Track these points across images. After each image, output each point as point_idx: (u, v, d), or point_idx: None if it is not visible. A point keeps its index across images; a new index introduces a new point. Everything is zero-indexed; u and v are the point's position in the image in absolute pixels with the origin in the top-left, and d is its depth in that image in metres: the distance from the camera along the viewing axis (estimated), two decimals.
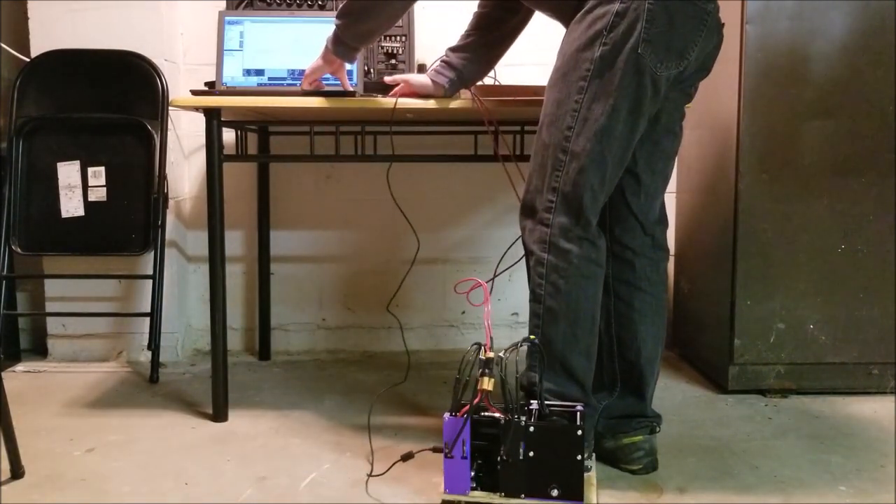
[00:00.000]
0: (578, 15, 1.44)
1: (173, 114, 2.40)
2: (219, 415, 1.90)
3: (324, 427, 1.86)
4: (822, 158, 2.01)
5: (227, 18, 1.90)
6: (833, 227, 2.02)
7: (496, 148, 1.84)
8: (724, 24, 1.50)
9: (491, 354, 1.36)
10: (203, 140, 1.86)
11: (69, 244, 2.30)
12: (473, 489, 1.37)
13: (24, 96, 2.32)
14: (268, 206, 2.49)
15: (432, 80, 1.75)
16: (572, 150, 1.43)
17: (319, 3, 2.07)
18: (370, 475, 1.57)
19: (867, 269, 2.03)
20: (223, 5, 2.10)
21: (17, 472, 1.55)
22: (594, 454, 1.56)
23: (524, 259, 1.53)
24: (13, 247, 2.28)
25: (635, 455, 1.59)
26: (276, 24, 1.91)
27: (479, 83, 1.86)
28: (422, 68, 2.08)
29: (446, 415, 1.36)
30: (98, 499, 1.49)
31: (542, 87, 1.53)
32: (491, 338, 1.38)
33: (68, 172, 2.30)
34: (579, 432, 1.33)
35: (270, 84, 1.89)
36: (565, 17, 1.51)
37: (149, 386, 2.20)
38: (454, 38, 1.78)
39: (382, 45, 2.09)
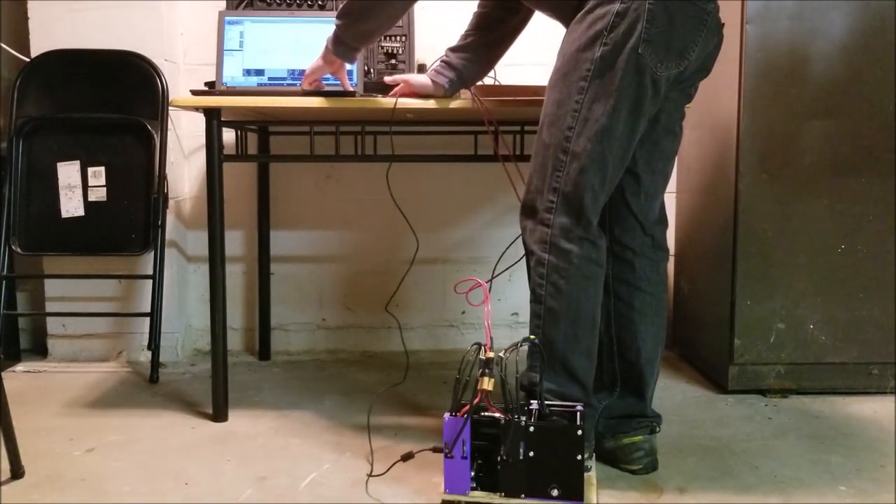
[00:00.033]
0: (579, 15, 1.44)
1: (173, 114, 2.40)
2: (219, 415, 1.90)
3: (324, 427, 1.86)
4: (822, 158, 2.01)
5: (227, 18, 1.90)
6: (833, 227, 2.02)
7: (496, 148, 1.84)
8: (724, 24, 1.50)
9: (491, 354, 1.36)
10: (203, 140, 1.86)
11: (69, 244, 2.30)
12: (473, 489, 1.37)
13: (24, 96, 2.32)
14: (268, 206, 2.49)
15: (432, 80, 1.75)
16: (573, 150, 1.43)
17: (319, 3, 2.07)
18: (370, 475, 1.57)
19: (867, 269, 2.03)
20: (223, 5, 2.10)
21: (17, 472, 1.55)
22: (594, 454, 1.56)
23: (524, 259, 1.53)
24: (13, 247, 2.28)
25: (635, 455, 1.59)
26: (276, 24, 1.91)
27: (479, 83, 1.86)
28: (422, 68, 2.08)
29: (446, 415, 1.36)
30: (98, 499, 1.49)
31: (542, 87, 1.53)
32: (491, 338, 1.38)
33: (68, 172, 2.30)
34: (579, 432, 1.33)
35: (270, 84, 1.89)
36: (565, 17, 1.51)
37: (149, 386, 2.20)
38: (454, 38, 1.78)
39: (382, 45, 2.10)
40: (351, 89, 1.80)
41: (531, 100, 1.75)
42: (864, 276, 2.03)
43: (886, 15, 1.96)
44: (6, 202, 2.27)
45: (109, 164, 2.30)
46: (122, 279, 2.42)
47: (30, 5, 2.35)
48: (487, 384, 1.34)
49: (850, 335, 2.05)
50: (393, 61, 2.10)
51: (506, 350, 1.36)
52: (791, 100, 1.99)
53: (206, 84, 1.93)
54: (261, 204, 2.48)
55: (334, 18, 1.65)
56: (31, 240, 2.30)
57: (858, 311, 2.04)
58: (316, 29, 1.87)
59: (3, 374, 2.05)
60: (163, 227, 2.30)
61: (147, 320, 2.32)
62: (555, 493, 1.33)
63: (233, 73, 1.88)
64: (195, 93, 1.87)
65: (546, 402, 1.40)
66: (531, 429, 1.33)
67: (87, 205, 2.29)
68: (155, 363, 2.25)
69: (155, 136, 2.28)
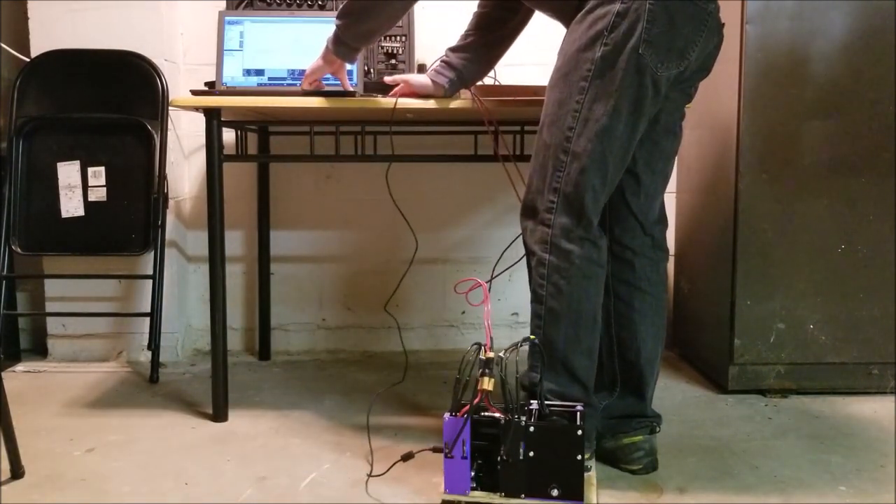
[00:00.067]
0: (579, 15, 1.44)
1: (173, 114, 2.40)
2: (219, 415, 1.90)
3: (324, 427, 1.86)
4: (822, 158, 2.01)
5: (227, 18, 1.90)
6: (833, 227, 2.02)
7: (496, 148, 1.84)
8: (724, 24, 1.50)
9: (491, 354, 1.36)
10: (203, 140, 1.86)
11: (69, 244, 2.30)
12: (473, 489, 1.37)
13: (24, 96, 2.32)
14: (268, 206, 2.49)
15: (432, 80, 1.75)
16: (573, 150, 1.43)
17: (319, 3, 2.07)
18: (370, 475, 1.57)
19: (867, 269, 2.03)
20: (223, 5, 2.10)
21: (17, 472, 1.55)
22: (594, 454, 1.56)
23: (525, 259, 1.53)
24: (13, 247, 2.28)
25: (635, 455, 1.59)
26: (276, 24, 1.91)
27: (479, 83, 1.86)
28: (422, 68, 2.08)
29: (446, 415, 1.36)
30: (98, 499, 1.49)
31: (542, 87, 1.53)
32: (491, 338, 1.38)
33: (68, 172, 2.30)
34: (579, 432, 1.33)
35: (270, 84, 1.89)
36: (566, 17, 1.51)
37: (149, 386, 2.20)
38: (454, 38, 1.78)
39: (382, 45, 2.10)
40: (351, 89, 1.80)
41: (531, 100, 1.75)
42: (864, 276, 2.03)
43: (886, 15, 1.96)
44: (6, 202, 2.27)
45: (109, 164, 2.30)
46: (122, 279, 2.42)
47: (30, 5, 2.35)
48: (487, 384, 1.34)
49: (850, 335, 2.05)
50: (393, 61, 2.10)
51: (506, 350, 1.36)
52: (791, 100, 1.99)
53: (206, 84, 1.93)
54: (261, 204, 2.48)
55: (334, 18, 1.65)
56: (31, 240, 2.30)
57: (858, 311, 2.04)
58: (316, 29, 1.87)
59: (3, 374, 2.05)
60: (163, 227, 2.30)
61: (147, 320, 2.32)
62: (555, 493, 1.33)
63: (233, 73, 1.88)
64: (195, 93, 1.87)
65: (546, 402, 1.40)
66: (531, 429, 1.33)
67: (87, 205, 2.29)
68: (155, 363, 2.25)
69: (155, 136, 2.28)
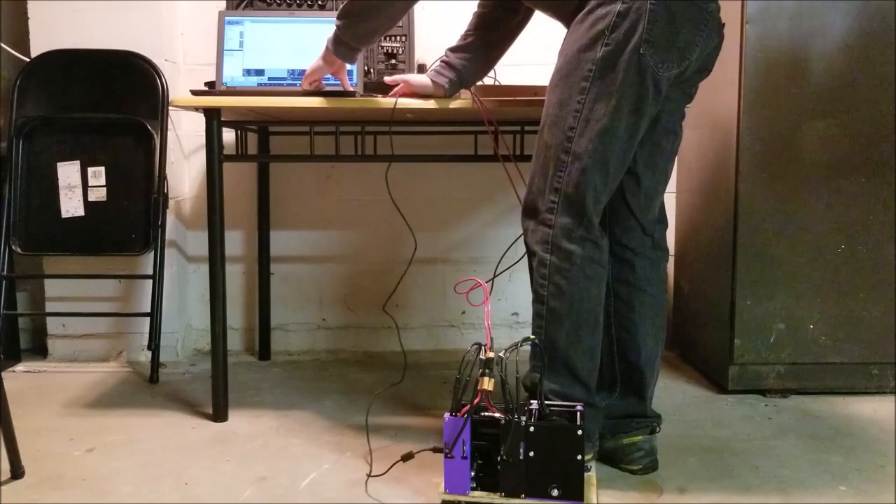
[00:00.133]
0: (580, 15, 1.44)
1: (173, 114, 2.40)
2: (219, 415, 1.90)
3: (324, 427, 1.86)
4: (822, 158, 2.01)
5: (227, 18, 1.90)
6: (833, 227, 2.02)
7: (496, 148, 1.84)
8: (724, 24, 1.50)
9: (491, 354, 1.36)
10: (203, 140, 1.86)
11: (69, 244, 2.30)
12: (473, 489, 1.37)
13: (24, 96, 2.32)
14: (268, 206, 2.49)
15: (432, 81, 1.75)
16: (574, 150, 1.43)
17: (319, 3, 2.08)
18: (370, 475, 1.57)
19: (867, 269, 2.03)
20: (223, 5, 2.10)
21: (17, 472, 1.55)
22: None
23: (525, 259, 1.53)
24: (13, 247, 2.28)
25: (635, 455, 1.59)
26: (276, 24, 1.91)
27: (479, 83, 1.86)
28: (422, 68, 2.08)
29: (446, 415, 1.36)
30: (98, 499, 1.49)
31: (543, 87, 1.53)
32: (491, 338, 1.38)
33: (68, 172, 2.30)
34: (579, 432, 1.33)
35: (270, 84, 1.89)
36: (566, 17, 1.51)
37: (149, 386, 2.20)
38: (454, 38, 1.78)
39: (382, 45, 2.10)
40: (351, 89, 1.80)
41: (531, 100, 1.75)
42: (864, 276, 2.03)
43: (886, 15, 1.96)
44: (6, 202, 2.27)
45: (109, 164, 2.30)
46: (122, 279, 2.42)
47: (30, 5, 2.35)
48: (487, 384, 1.34)
49: (850, 335, 2.05)
50: (393, 61, 2.10)
51: (506, 350, 1.36)
52: (791, 100, 1.99)
53: (206, 84, 1.93)
54: (261, 204, 2.48)
55: (334, 19, 1.65)
56: (31, 240, 2.30)
57: (858, 311, 2.04)
58: (316, 29, 1.87)
59: (3, 374, 2.05)
60: (163, 227, 2.30)
61: (147, 320, 2.32)
62: (555, 493, 1.33)
63: (233, 73, 1.88)
64: (195, 93, 1.87)
65: (546, 402, 1.40)
66: (531, 429, 1.33)
67: (87, 205, 2.29)
68: (155, 363, 2.25)
69: (155, 136, 2.28)
